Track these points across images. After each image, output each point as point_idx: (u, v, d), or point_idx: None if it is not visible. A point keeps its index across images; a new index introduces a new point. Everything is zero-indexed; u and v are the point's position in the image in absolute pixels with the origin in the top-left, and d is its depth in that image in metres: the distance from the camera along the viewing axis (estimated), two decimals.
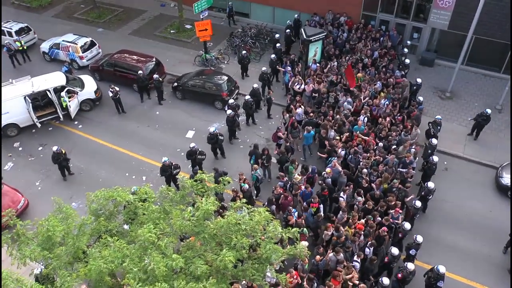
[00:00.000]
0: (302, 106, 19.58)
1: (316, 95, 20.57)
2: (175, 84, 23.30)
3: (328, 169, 16.09)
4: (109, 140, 20.77)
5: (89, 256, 9.88)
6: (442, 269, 12.88)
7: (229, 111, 19.26)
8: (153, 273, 9.03)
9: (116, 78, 23.47)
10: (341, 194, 15.47)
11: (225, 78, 22.59)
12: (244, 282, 11.49)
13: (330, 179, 16.04)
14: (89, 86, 22.46)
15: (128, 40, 28.24)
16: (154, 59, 24.14)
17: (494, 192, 17.97)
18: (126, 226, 11.63)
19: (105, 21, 31.12)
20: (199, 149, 17.65)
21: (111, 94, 21.42)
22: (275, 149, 18.37)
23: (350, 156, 17.01)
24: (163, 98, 23.11)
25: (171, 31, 29.40)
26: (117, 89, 21.61)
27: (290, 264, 13.53)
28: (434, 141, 17.80)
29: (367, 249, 13.77)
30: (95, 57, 25.98)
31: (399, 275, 13.09)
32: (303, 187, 15.64)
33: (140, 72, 22.16)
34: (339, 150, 17.15)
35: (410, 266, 13.01)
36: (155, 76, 22.29)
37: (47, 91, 20.68)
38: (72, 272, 10.07)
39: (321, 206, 15.04)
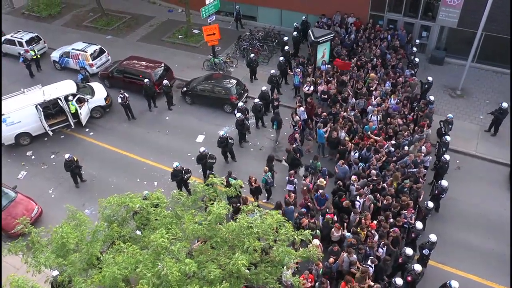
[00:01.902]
0: (303, 106, 19.63)
1: (325, 96, 20.53)
2: (184, 89, 23.42)
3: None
4: (120, 146, 20.94)
5: (103, 263, 9.96)
6: (454, 284, 12.55)
7: (238, 115, 19.30)
8: (166, 278, 9.07)
9: (126, 85, 23.64)
10: (358, 198, 15.37)
11: (234, 81, 22.64)
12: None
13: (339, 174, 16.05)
14: (99, 93, 22.69)
15: (137, 47, 28.50)
16: (162, 65, 24.29)
17: (508, 190, 17.74)
18: (138, 232, 11.71)
19: (114, 28, 31.44)
20: (209, 153, 17.69)
21: (120, 101, 21.60)
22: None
23: (363, 151, 16.98)
24: (173, 103, 23.24)
25: (179, 36, 29.60)
26: (127, 95, 21.78)
27: (304, 267, 13.49)
28: (447, 138, 17.67)
29: (380, 250, 13.68)
30: (104, 64, 26.25)
31: (409, 278, 12.98)
32: (321, 190, 15.57)
33: (146, 80, 22.30)
34: (352, 153, 17.10)
35: (417, 267, 12.91)
36: (165, 81, 22.44)
37: (58, 99, 20.93)
38: (87, 278, 10.16)
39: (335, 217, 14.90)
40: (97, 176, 19.39)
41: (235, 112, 20.00)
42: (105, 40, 29.41)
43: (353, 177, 15.81)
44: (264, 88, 21.09)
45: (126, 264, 9.62)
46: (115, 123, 22.53)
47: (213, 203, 10.58)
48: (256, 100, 20.43)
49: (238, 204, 14.22)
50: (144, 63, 24.30)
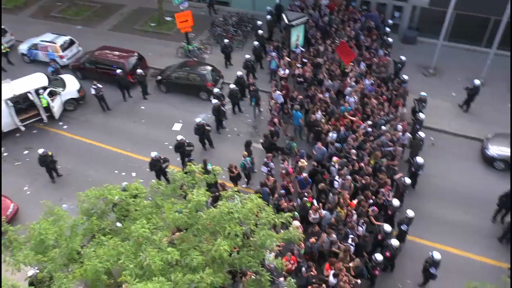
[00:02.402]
0: (278, 91, 19.66)
1: (301, 79, 20.59)
2: (159, 77, 23.11)
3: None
4: (95, 138, 20.60)
5: (84, 257, 9.86)
6: (436, 255, 12.96)
7: (214, 101, 19.21)
8: (149, 268, 9.05)
9: (99, 76, 23.11)
10: (336, 178, 15.53)
11: (209, 68, 22.46)
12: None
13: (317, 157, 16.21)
14: (72, 85, 22.15)
15: (109, 36, 27.86)
16: (136, 54, 23.88)
17: (480, 164, 18.28)
18: (119, 224, 11.61)
19: (83, 18, 30.61)
20: (187, 141, 17.59)
21: (94, 92, 21.18)
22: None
23: (342, 132, 17.16)
24: (148, 93, 22.92)
25: (152, 24, 29.05)
26: (100, 86, 21.36)
27: (286, 250, 13.64)
28: (421, 115, 18.02)
29: (360, 228, 13.93)
30: (75, 56, 25.59)
31: (387, 253, 13.31)
32: (304, 174, 15.69)
33: (119, 70, 21.88)
34: (330, 134, 17.24)
35: (395, 242, 13.27)
36: (139, 70, 22.08)
37: (28, 93, 20.36)
38: (68, 274, 10.06)
39: (314, 200, 15.04)
40: (73, 170, 19.06)
41: (211, 99, 19.89)
42: (75, 31, 28.62)
43: (334, 158, 15.96)
44: (239, 73, 20.99)
45: (108, 257, 9.54)
46: (89, 115, 22.10)
47: (192, 191, 10.56)
48: (232, 86, 20.32)
49: (217, 193, 14.19)
50: (116, 52, 23.81)
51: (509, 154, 17.53)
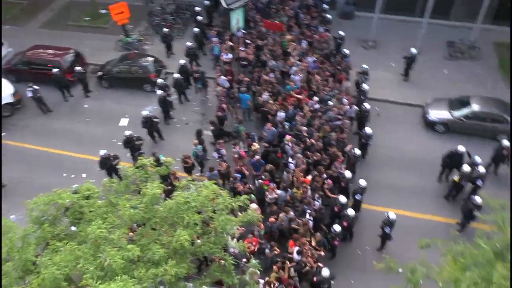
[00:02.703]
0: (223, 76, 19.66)
1: (245, 62, 20.60)
2: (100, 73, 22.32)
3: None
4: (39, 143, 19.67)
5: (40, 266, 9.50)
6: (391, 215, 13.69)
7: (159, 92, 18.90)
8: (111, 268, 8.87)
9: (34, 77, 21.86)
10: (290, 160, 15.74)
11: (151, 59, 21.98)
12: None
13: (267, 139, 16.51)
14: (5, 89, 20.87)
15: (40, 34, 26.38)
16: (72, 51, 22.86)
17: (423, 129, 19.23)
18: (73, 228, 11.26)
19: (10, 17, 28.79)
20: (136, 135, 17.24)
21: (30, 94, 20.15)
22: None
23: (290, 111, 17.37)
24: (90, 90, 22.10)
25: (86, 19, 27.83)
26: (37, 88, 20.34)
27: (247, 233, 13.77)
28: (365, 86, 18.64)
29: (316, 202, 14.30)
30: (5, 58, 24.09)
31: (344, 223, 13.81)
32: (257, 156, 15.78)
33: (56, 69, 20.90)
34: (278, 113, 17.43)
35: (350, 212, 13.81)
36: (77, 68, 21.22)
37: None
38: (25, 286, 9.69)
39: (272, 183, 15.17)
40: (18, 178, 18.12)
41: (156, 90, 19.52)
42: (2, 31, 26.93)
43: (288, 137, 16.17)
44: (182, 61, 20.68)
45: (65, 263, 9.25)
46: (29, 120, 21.03)
47: (146, 185, 10.41)
48: (176, 75, 20.02)
49: (169, 187, 13.99)
50: (51, 51, 22.68)
51: (448, 117, 18.54)
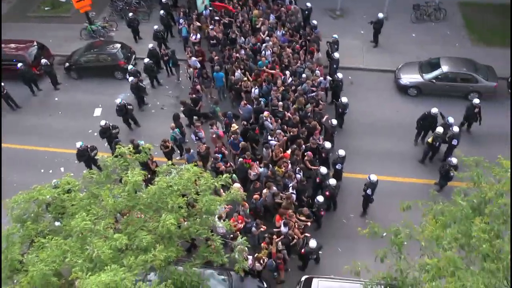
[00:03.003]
0: (193, 57, 19.40)
1: (214, 41, 20.34)
2: (67, 64, 21.69)
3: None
4: (11, 141, 19.10)
5: (28, 264, 9.42)
6: (372, 177, 14.02)
7: (131, 79, 18.55)
8: (99, 259, 8.85)
9: None
10: (269, 137, 15.74)
11: (118, 46, 21.47)
12: None
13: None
14: None
15: None
16: (35, 43, 22.08)
17: (396, 94, 19.51)
18: (57, 223, 11.14)
19: None
20: (111, 124, 16.98)
21: None
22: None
23: (264, 86, 17.36)
24: (58, 82, 21.49)
25: (46, 8, 26.82)
26: (2, 84, 19.67)
27: (232, 212, 13.91)
28: (336, 55, 18.69)
29: (297, 175, 14.47)
30: None
31: (327, 193, 14.04)
32: (233, 135, 15.74)
33: (20, 64, 20.18)
34: (252, 90, 17.37)
35: (332, 181, 14.04)
36: (43, 61, 20.54)
37: None
38: (14, 285, 9.61)
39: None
40: None
41: (127, 77, 19.15)
42: None
43: (265, 113, 16.16)
44: (151, 46, 20.27)
45: (53, 258, 9.20)
46: None
47: (127, 173, 10.33)
48: (146, 60, 19.65)
49: (149, 175, 13.82)
50: (12, 45, 21.85)
51: (420, 80, 18.83)
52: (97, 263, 9.04)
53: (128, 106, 18.01)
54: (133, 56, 21.70)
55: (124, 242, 8.98)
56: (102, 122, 16.74)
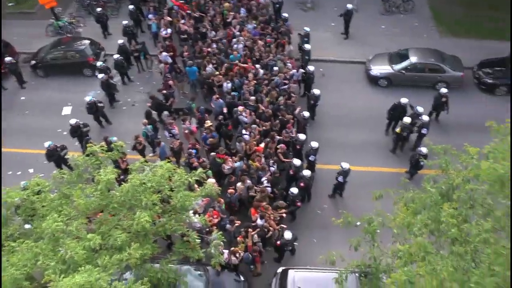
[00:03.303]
0: (164, 52, 19.20)
1: (185, 36, 20.16)
2: (33, 62, 21.08)
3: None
4: None
5: None
6: (344, 165, 14.27)
7: (100, 75, 18.20)
8: (73, 260, 8.72)
9: None
10: (244, 131, 15.72)
11: (87, 42, 21.04)
12: None
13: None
14: None
15: None
16: None
17: (367, 85, 19.82)
18: (27, 226, 10.89)
19: None
20: (82, 123, 16.64)
21: None
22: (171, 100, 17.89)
23: (237, 80, 17.37)
24: (24, 81, 20.87)
25: (10, 4, 25.83)
26: None
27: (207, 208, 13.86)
28: (307, 46, 18.81)
29: (271, 168, 14.54)
30: None
31: (301, 184, 14.19)
32: (205, 131, 15.69)
33: None
34: (224, 84, 17.31)
35: (306, 173, 14.21)
36: (7, 59, 19.88)
37: None
38: None
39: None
40: None
41: (97, 74, 18.79)
42: None
43: (240, 108, 16.13)
44: (120, 41, 19.93)
45: (24, 262, 8.99)
46: None
47: (99, 172, 10.16)
48: (116, 56, 19.31)
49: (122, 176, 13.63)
50: None
51: (390, 71, 19.17)
52: (70, 265, 8.90)
53: (99, 104, 17.69)
54: (103, 53, 21.28)
55: (98, 241, 8.86)
56: (72, 121, 16.38)
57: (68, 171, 11.32)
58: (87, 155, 10.80)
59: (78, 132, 16.47)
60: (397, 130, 16.31)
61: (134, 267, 9.40)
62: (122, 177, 12.70)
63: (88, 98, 17.50)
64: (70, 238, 9.10)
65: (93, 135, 16.99)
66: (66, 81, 20.78)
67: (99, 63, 19.29)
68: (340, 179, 14.46)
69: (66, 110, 19.48)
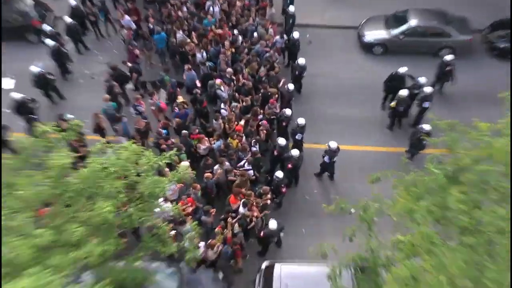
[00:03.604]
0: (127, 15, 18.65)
1: None
2: None
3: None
4: None
5: None
6: (332, 144, 14.17)
7: (50, 42, 17.55)
8: (17, 261, 8.38)
9: None
10: (222, 105, 15.47)
11: (30, 2, 20.21)
12: None
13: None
14: None
15: None
16: None
17: (360, 53, 19.67)
18: None
19: None
20: (28, 98, 16.08)
21: None
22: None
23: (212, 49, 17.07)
24: None
25: None
26: None
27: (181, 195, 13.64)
28: (291, 8, 18.54)
29: (253, 148, 14.35)
30: None
31: (289, 165, 14.06)
32: (176, 109, 15.39)
33: None
34: (198, 54, 16.92)
35: (295, 152, 14.07)
36: None
37: None
38: None
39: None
40: None
41: (44, 40, 18.06)
42: None
43: (218, 81, 15.82)
44: (73, 2, 19.15)
45: None
46: None
47: (51, 155, 9.76)
48: (68, 20, 18.60)
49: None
50: None
51: (386, 36, 19.00)
52: (14, 267, 8.57)
53: (49, 76, 17.10)
54: (52, 16, 20.49)
55: (49, 238, 8.52)
56: (16, 96, 15.79)
57: (12, 155, 10.84)
58: (36, 137, 10.38)
59: (24, 109, 15.85)
60: (392, 104, 16.21)
61: (94, 266, 9.14)
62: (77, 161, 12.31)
63: (35, 69, 16.81)
64: (13, 236, 8.73)
65: (43, 113, 16.39)
66: (6, 48, 19.68)
67: (47, 28, 18.56)
68: (327, 159, 14.37)
69: (8, 84, 18.72)
